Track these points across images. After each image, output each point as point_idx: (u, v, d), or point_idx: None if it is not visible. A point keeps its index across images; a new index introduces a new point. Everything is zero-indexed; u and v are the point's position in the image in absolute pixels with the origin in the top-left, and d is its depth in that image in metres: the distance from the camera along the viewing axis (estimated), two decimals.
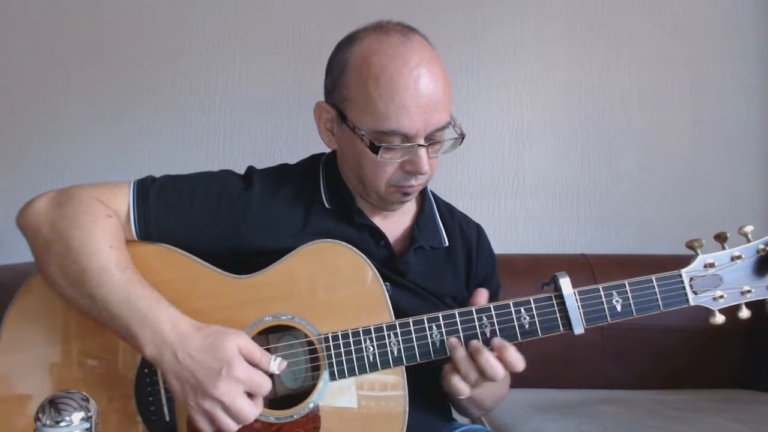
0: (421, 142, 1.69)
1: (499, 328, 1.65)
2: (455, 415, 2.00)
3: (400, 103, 1.65)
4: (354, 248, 1.72)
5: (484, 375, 1.61)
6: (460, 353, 1.63)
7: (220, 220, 1.77)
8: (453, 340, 1.65)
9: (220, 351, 1.53)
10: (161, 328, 1.55)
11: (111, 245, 1.64)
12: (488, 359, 1.60)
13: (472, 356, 1.62)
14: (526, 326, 1.65)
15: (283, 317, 1.67)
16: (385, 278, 1.73)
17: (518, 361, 1.61)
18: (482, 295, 1.71)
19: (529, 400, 2.68)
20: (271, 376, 1.58)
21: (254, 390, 1.54)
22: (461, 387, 1.63)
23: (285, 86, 3.26)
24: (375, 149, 1.68)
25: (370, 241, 1.85)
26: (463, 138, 1.76)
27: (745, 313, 1.68)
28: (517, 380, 1.86)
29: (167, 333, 1.55)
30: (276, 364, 1.57)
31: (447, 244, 1.95)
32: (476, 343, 1.63)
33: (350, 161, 1.81)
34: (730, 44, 3.35)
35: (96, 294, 1.59)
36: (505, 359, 1.60)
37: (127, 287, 1.59)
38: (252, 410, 1.54)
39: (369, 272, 1.71)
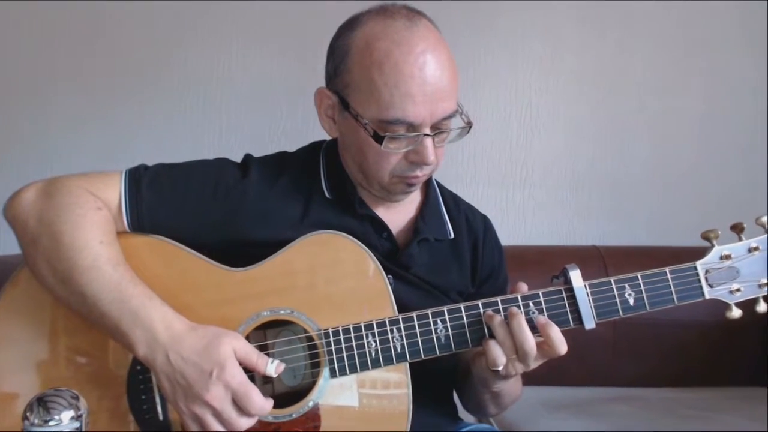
0: (427, 131, 1.68)
1: (508, 315, 1.64)
2: (461, 414, 2.00)
3: (405, 92, 1.64)
4: (355, 240, 1.72)
5: (516, 345, 1.62)
6: (497, 319, 1.63)
7: (216, 210, 1.76)
8: (489, 311, 1.65)
9: (214, 353, 1.52)
10: (154, 327, 1.54)
11: (101, 240, 1.63)
12: (520, 323, 1.61)
13: (508, 322, 1.63)
14: (535, 321, 1.64)
15: (282, 312, 1.67)
16: (387, 271, 1.72)
17: (561, 342, 1.62)
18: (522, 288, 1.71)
19: (538, 398, 2.68)
20: (269, 379, 1.58)
21: (240, 400, 1.52)
22: (497, 353, 1.63)
23: (284, 72, 3.24)
24: (379, 139, 1.68)
25: (372, 233, 1.84)
26: (470, 127, 1.75)
27: (762, 307, 1.68)
28: (526, 377, 1.85)
29: (160, 333, 1.54)
30: (273, 367, 1.56)
31: (452, 236, 1.95)
32: (514, 309, 1.64)
33: (352, 150, 1.80)
34: (745, 29, 3.33)
35: (86, 291, 1.58)
36: (548, 335, 1.61)
37: (119, 285, 1.58)
38: (242, 420, 1.53)
39: (371, 265, 1.70)
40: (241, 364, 1.54)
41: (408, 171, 1.75)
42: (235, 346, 1.54)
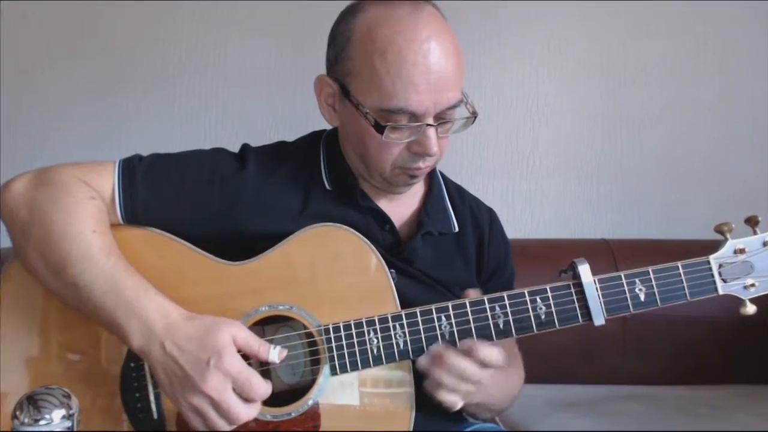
0: (430, 121, 1.67)
1: (513, 319, 1.64)
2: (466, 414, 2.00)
3: (408, 80, 1.63)
4: (357, 233, 1.71)
5: (464, 378, 1.61)
6: (423, 362, 1.64)
7: (212, 202, 1.76)
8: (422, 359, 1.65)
9: (211, 341, 1.51)
10: (149, 317, 1.54)
11: (95, 229, 1.63)
12: (451, 361, 1.61)
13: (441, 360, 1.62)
14: (543, 317, 1.64)
15: (281, 307, 1.67)
16: (389, 265, 1.72)
17: (493, 356, 1.61)
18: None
19: (545, 397, 2.67)
20: (267, 372, 1.58)
21: (241, 387, 1.51)
22: (451, 399, 1.64)
23: (282, 58, 3.24)
24: (380, 129, 1.67)
25: (374, 225, 1.84)
26: (475, 117, 1.75)
27: None
28: (533, 375, 1.86)
29: (156, 323, 1.54)
30: (276, 353, 1.56)
31: (457, 229, 1.95)
32: (435, 347, 1.64)
33: (353, 140, 1.80)
34: (760, 15, 3.32)
35: (79, 282, 1.58)
36: (478, 359, 1.60)
37: (113, 275, 1.58)
38: (244, 409, 1.52)
39: (373, 258, 1.70)
40: (241, 352, 1.54)
41: (410, 162, 1.74)
42: (235, 334, 1.54)
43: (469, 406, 1.81)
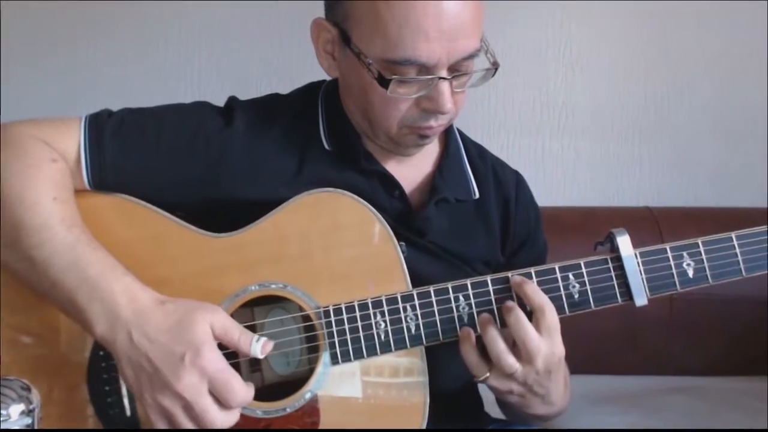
0: (443, 74, 1.65)
1: (503, 310, 1.63)
2: (488, 408, 1.99)
3: (416, 26, 1.61)
4: (360, 199, 1.71)
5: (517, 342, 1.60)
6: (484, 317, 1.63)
7: (194, 164, 1.76)
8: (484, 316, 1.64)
9: (187, 332, 1.50)
10: (115, 300, 1.53)
11: (55, 196, 1.62)
12: (519, 318, 1.59)
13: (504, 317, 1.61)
14: (576, 296, 1.64)
15: (273, 286, 1.67)
16: (399, 237, 1.71)
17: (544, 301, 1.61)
18: None
19: (579, 390, 2.65)
20: (257, 362, 1.57)
21: (219, 390, 1.49)
22: (473, 360, 1.63)
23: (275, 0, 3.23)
24: (384, 82, 1.65)
25: (381, 192, 1.83)
26: (496, 69, 1.73)
27: None
28: (567, 365, 1.85)
29: (122, 307, 1.52)
30: (258, 346, 1.53)
31: (477, 195, 1.94)
32: (509, 303, 1.62)
33: (355, 93, 1.79)
34: None
35: (35, 256, 1.57)
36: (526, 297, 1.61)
37: (75, 249, 1.57)
38: (219, 415, 1.50)
39: (379, 229, 1.69)
40: (219, 342, 1.53)
41: (420, 120, 1.73)
42: (213, 321, 1.52)
43: (527, 418, 1.82)
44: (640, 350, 2.92)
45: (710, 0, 3.26)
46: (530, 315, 1.60)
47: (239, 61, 3.22)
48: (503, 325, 1.62)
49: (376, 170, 1.83)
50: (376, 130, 1.79)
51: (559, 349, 1.61)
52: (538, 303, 1.59)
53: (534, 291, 1.60)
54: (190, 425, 1.50)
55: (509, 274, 1.65)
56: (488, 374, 1.62)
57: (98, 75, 3.19)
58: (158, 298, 1.55)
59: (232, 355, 1.55)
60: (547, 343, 1.58)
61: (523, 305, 1.61)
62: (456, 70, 1.67)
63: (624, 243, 1.64)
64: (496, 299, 1.64)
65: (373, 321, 1.64)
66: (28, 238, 1.58)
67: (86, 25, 3.19)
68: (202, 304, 1.55)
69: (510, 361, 1.58)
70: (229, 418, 1.52)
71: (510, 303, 1.61)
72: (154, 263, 1.66)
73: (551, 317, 1.59)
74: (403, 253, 1.69)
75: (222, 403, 1.50)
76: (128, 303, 1.53)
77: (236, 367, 1.55)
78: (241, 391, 1.50)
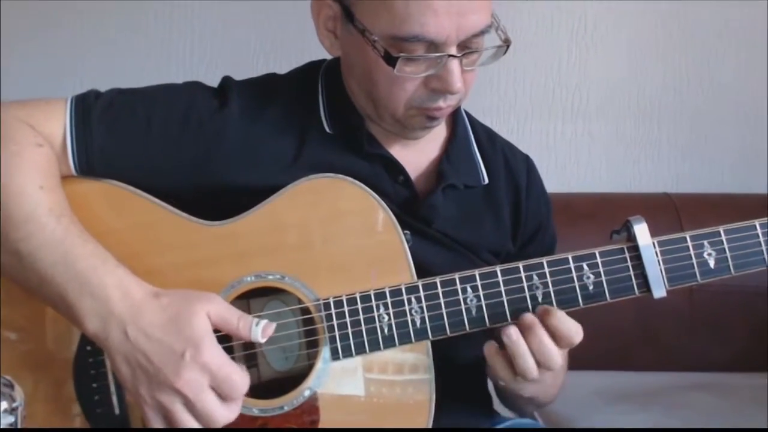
0: (453, 51, 1.65)
1: (554, 290, 1.63)
2: (497, 406, 2.00)
3: (424, 1, 1.61)
4: (363, 185, 1.70)
5: (539, 363, 1.60)
6: (512, 334, 1.61)
7: (186, 148, 1.76)
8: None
9: (186, 326, 1.50)
10: (107, 295, 1.52)
11: (41, 185, 1.62)
12: (542, 339, 1.59)
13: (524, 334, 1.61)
14: (590, 287, 1.64)
15: (270, 277, 1.67)
16: (403, 225, 1.71)
17: (572, 331, 1.60)
18: None
19: (595, 387, 2.68)
20: (253, 358, 1.57)
21: (220, 385, 1.50)
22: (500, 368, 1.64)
23: None
24: (391, 60, 1.65)
25: (385, 177, 1.83)
26: (508, 46, 1.73)
27: None
28: (580, 360, 1.86)
29: (115, 302, 1.52)
30: (259, 330, 1.53)
31: (486, 181, 1.94)
32: (528, 318, 1.61)
33: (358, 73, 1.79)
34: None
35: (22, 249, 1.57)
36: (553, 329, 1.60)
37: (64, 242, 1.56)
38: (222, 411, 1.50)
39: (383, 217, 1.69)
40: (217, 330, 1.53)
41: (428, 101, 1.72)
42: (210, 311, 1.52)
43: (518, 399, 1.82)
44: (659, 344, 2.93)
45: None
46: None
47: (234, 38, 3.22)
48: (514, 318, 1.63)
49: (379, 154, 1.83)
50: (381, 111, 1.78)
51: (565, 353, 1.65)
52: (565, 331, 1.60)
53: (559, 321, 1.60)
54: (190, 421, 1.50)
55: (520, 264, 1.65)
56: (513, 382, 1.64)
57: (84, 53, 3.18)
58: (153, 291, 1.55)
59: (227, 342, 1.57)
60: (563, 355, 1.62)
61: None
62: (466, 47, 1.67)
63: (641, 231, 1.63)
64: (506, 291, 1.64)
65: (375, 314, 1.63)
66: (13, 230, 1.57)
67: (71, 1, 3.18)
68: (198, 293, 1.55)
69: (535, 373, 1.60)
70: (231, 413, 1.52)
71: (529, 319, 1.61)
72: (145, 253, 1.66)
73: (577, 340, 1.61)
74: (407, 242, 1.69)
75: (223, 397, 1.50)
76: (121, 297, 1.52)
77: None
78: (243, 382, 1.51)
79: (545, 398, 1.90)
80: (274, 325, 1.56)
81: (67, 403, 1.65)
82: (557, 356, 1.59)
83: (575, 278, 1.63)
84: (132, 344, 1.50)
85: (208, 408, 1.49)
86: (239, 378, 1.50)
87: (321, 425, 1.63)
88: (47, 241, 1.56)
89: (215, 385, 1.49)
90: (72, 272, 1.54)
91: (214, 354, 1.49)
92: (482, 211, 1.93)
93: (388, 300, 1.64)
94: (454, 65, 1.65)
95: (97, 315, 1.52)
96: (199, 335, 1.49)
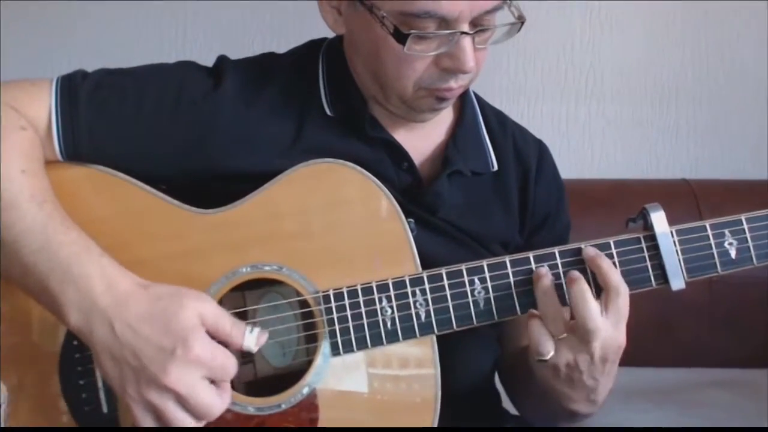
0: (465, 28, 1.64)
1: (566, 282, 1.63)
2: (506, 404, 1.99)
3: None
4: (364, 171, 1.70)
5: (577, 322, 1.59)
6: (544, 282, 1.61)
7: (178, 132, 1.75)
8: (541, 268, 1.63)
9: (175, 322, 1.48)
10: (90, 286, 1.51)
11: (24, 169, 1.61)
12: (583, 293, 1.57)
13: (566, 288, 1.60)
14: None
15: (266, 268, 1.66)
16: (407, 214, 1.71)
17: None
18: None
19: None
20: (249, 353, 1.57)
21: (216, 374, 1.49)
22: (539, 334, 1.61)
23: None
24: (401, 38, 1.63)
25: (388, 163, 1.83)
26: (522, 23, 1.72)
27: None
28: None
29: (99, 294, 1.51)
30: (253, 338, 1.53)
31: (495, 167, 1.94)
32: (575, 273, 1.61)
33: (364, 52, 1.78)
34: None
35: (4, 237, 1.56)
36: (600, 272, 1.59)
37: (46, 229, 1.56)
38: (217, 401, 1.49)
39: (385, 205, 1.69)
40: (209, 335, 1.51)
41: (439, 81, 1.71)
42: (202, 311, 1.51)
43: (558, 414, 1.81)
44: (676, 339, 2.93)
45: None
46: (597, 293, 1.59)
47: (230, 16, 3.22)
48: (524, 311, 1.63)
49: (382, 138, 1.82)
50: (388, 92, 1.77)
51: (622, 338, 1.60)
52: (614, 282, 1.57)
53: (610, 268, 1.59)
54: (184, 419, 1.49)
55: (530, 254, 1.64)
56: (553, 352, 1.60)
57: (71, 32, 3.18)
58: (140, 282, 1.54)
59: None
60: (610, 325, 1.57)
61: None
62: (478, 24, 1.66)
63: (658, 219, 1.63)
64: (515, 282, 1.63)
65: (378, 307, 1.63)
66: None
67: None
68: (188, 290, 1.54)
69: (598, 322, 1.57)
70: (224, 401, 1.51)
71: (575, 273, 1.60)
72: (134, 242, 1.66)
73: (623, 302, 1.58)
74: (411, 231, 1.69)
75: (216, 383, 1.50)
76: (106, 289, 1.51)
77: None
78: (234, 364, 1.50)
79: (590, 410, 1.81)
80: (266, 333, 1.55)
81: (53, 400, 1.64)
82: (597, 316, 1.55)
83: (589, 269, 1.62)
84: (119, 340, 1.48)
85: (204, 401, 1.48)
86: (231, 363, 1.50)
87: (320, 424, 1.63)
88: (29, 228, 1.55)
89: (211, 374, 1.49)
90: (55, 261, 1.53)
91: (205, 346, 1.48)
92: (491, 199, 1.92)
93: (392, 292, 1.63)
94: (467, 43, 1.64)
95: (79, 308, 1.51)
96: (190, 330, 1.48)
